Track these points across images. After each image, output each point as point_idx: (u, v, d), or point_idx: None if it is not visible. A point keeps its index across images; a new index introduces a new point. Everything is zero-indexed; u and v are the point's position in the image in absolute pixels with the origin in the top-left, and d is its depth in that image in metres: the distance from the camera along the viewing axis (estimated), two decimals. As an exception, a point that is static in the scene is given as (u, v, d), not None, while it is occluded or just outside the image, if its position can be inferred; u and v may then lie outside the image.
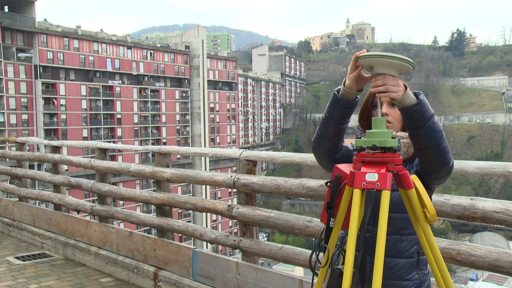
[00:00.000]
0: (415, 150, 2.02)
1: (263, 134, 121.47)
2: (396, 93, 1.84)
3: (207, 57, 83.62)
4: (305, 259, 3.75)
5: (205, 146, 77.01)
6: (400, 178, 1.91)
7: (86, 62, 64.77)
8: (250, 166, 4.34)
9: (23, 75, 57.72)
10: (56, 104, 61.05)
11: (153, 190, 5.67)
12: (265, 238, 67.84)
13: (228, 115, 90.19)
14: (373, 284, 1.75)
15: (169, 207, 5.25)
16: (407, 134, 2.07)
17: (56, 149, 7.24)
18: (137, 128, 71.42)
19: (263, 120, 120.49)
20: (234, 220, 4.53)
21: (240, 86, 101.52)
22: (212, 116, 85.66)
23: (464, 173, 2.97)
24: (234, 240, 4.41)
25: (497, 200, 2.81)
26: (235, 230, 57.45)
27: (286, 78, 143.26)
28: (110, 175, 6.26)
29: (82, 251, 6.25)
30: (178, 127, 78.30)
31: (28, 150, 8.63)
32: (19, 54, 43.22)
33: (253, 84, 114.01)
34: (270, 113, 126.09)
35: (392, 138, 1.87)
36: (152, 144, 67.42)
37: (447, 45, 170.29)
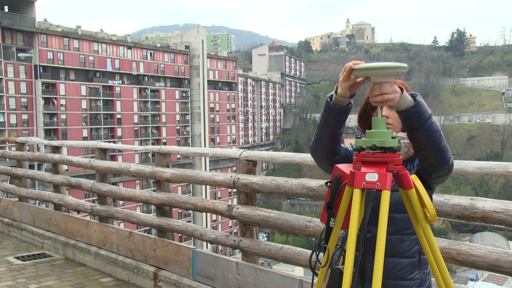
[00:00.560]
0: (414, 150, 2.03)
1: (263, 134, 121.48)
2: (393, 99, 1.84)
3: (207, 57, 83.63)
4: (305, 259, 3.75)
5: (205, 146, 77.03)
6: (400, 178, 1.91)
7: (86, 62, 64.77)
8: (250, 166, 4.34)
9: (23, 75, 57.72)
10: (56, 104, 61.05)
11: (153, 190, 5.67)
12: (265, 238, 67.84)
13: (228, 115, 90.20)
14: (373, 284, 1.75)
15: (169, 207, 5.25)
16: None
17: (56, 149, 7.24)
18: (137, 128, 71.42)
19: (263, 120, 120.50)
20: (234, 220, 4.53)
21: (240, 86, 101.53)
22: (212, 116, 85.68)
23: (464, 173, 2.97)
24: (234, 240, 4.41)
25: (497, 200, 2.81)
26: (235, 230, 57.44)
27: (286, 78, 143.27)
28: (110, 175, 6.26)
29: (82, 251, 6.25)
30: (178, 127, 78.31)
31: (28, 150, 8.63)
32: (19, 54, 43.24)
33: (253, 84, 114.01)
34: (270, 113, 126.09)
35: (392, 138, 1.87)
36: (152, 144, 67.41)
37: (447, 45, 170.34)
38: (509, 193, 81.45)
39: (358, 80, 1.95)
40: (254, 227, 4.32)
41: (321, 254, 2.04)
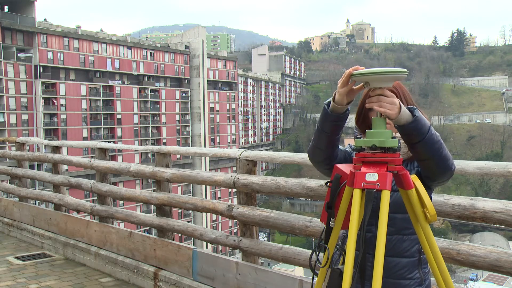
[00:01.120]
0: (416, 161, 2.04)
1: (263, 134, 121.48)
2: (391, 111, 1.84)
3: (207, 57, 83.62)
4: (305, 259, 3.75)
5: (205, 146, 77.02)
6: (400, 178, 1.91)
7: (86, 62, 64.77)
8: (250, 166, 4.34)
9: (23, 75, 57.72)
10: (56, 104, 61.04)
11: (153, 190, 5.67)
12: (265, 238, 67.84)
13: (228, 115, 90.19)
14: (373, 283, 1.75)
15: (169, 207, 5.25)
16: None
17: (56, 149, 7.24)
18: (137, 128, 71.42)
19: (263, 120, 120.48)
20: (234, 220, 4.53)
21: (240, 86, 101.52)
22: (212, 116, 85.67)
23: (464, 173, 2.97)
24: (234, 240, 4.41)
25: (497, 200, 2.81)
26: (235, 230, 57.44)
27: (286, 78, 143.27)
28: (110, 175, 6.26)
29: (82, 251, 6.25)
30: (178, 127, 78.30)
31: (28, 150, 8.63)
32: (19, 54, 43.24)
33: (253, 84, 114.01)
34: (270, 113, 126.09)
35: (392, 138, 1.87)
36: (152, 144, 67.41)
37: (447, 45, 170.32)
38: (509, 193, 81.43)
39: (355, 87, 1.95)
40: (254, 227, 4.32)
41: (321, 254, 2.04)
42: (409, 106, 1.91)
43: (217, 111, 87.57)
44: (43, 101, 59.70)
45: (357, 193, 1.85)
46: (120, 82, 69.77)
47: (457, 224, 74.93)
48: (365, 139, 1.89)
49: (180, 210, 53.46)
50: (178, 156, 59.48)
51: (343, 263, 1.97)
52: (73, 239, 6.50)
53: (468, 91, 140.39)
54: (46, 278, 5.71)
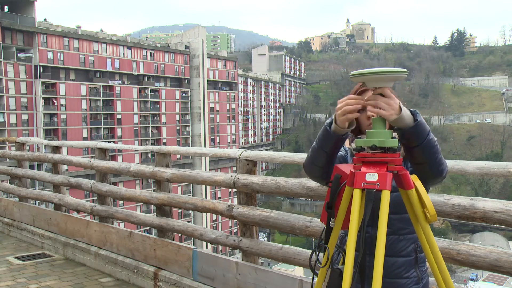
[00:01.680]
0: (411, 164, 2.02)
1: (263, 134, 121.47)
2: (386, 112, 1.81)
3: (207, 57, 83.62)
4: (305, 259, 3.75)
5: (205, 146, 77.02)
6: (400, 178, 1.91)
7: (86, 62, 64.77)
8: (250, 166, 4.34)
9: (23, 75, 57.72)
10: (56, 104, 61.04)
11: (153, 190, 5.67)
12: (265, 238, 67.84)
13: (228, 115, 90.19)
14: (373, 284, 1.75)
15: (169, 207, 5.25)
16: None
17: (56, 149, 7.24)
18: (137, 128, 71.42)
19: (263, 120, 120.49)
20: (234, 220, 4.53)
21: (240, 86, 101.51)
22: (212, 116, 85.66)
23: (464, 173, 2.97)
24: (234, 240, 4.41)
25: (497, 200, 2.81)
26: (235, 230, 57.44)
27: (286, 78, 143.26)
28: (110, 175, 6.26)
29: (82, 251, 6.25)
30: (178, 127, 78.30)
31: (28, 150, 8.63)
32: (19, 54, 43.23)
33: (253, 84, 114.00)
34: (270, 113, 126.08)
35: (392, 138, 1.87)
36: (152, 144, 67.41)
37: (447, 45, 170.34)
38: (509, 193, 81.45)
39: (354, 115, 1.92)
40: (254, 227, 4.32)
41: (321, 254, 2.04)
42: (411, 109, 1.90)
43: (217, 111, 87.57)
44: (43, 101, 59.69)
45: (357, 193, 1.85)
46: (120, 82, 69.77)
47: (457, 224, 74.94)
48: (365, 139, 1.89)
49: (180, 210, 53.46)
50: (178, 156, 59.47)
51: (343, 263, 1.97)
52: (73, 239, 6.50)
53: (468, 91, 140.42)
54: (46, 278, 5.71)
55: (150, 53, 74.39)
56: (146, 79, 73.73)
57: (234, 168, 4.53)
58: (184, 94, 79.74)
